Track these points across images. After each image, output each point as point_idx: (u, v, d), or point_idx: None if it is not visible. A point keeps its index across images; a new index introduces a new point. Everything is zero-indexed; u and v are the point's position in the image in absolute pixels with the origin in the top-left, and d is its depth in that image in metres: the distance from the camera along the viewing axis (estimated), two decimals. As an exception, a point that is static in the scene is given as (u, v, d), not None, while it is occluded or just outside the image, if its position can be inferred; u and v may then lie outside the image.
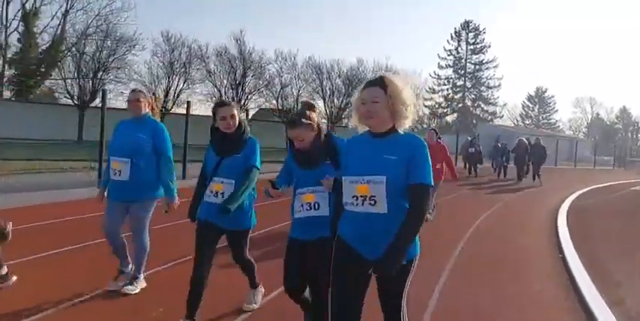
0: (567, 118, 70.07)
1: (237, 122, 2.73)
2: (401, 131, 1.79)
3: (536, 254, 5.31)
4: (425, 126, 46.67)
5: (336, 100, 30.45)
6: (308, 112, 2.38)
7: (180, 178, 10.44)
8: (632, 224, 8.14)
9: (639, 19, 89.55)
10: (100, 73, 20.82)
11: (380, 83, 1.77)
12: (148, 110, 3.35)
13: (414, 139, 1.81)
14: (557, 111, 66.56)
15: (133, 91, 3.53)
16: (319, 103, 30.36)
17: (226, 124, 2.69)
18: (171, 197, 3.23)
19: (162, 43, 23.76)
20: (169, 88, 23.71)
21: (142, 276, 3.33)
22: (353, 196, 1.76)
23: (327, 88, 29.97)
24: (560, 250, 5.40)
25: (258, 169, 2.77)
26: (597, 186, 14.73)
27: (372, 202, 1.72)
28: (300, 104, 2.67)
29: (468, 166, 16.52)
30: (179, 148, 12.22)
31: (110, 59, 20.89)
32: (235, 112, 2.73)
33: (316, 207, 2.34)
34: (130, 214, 3.26)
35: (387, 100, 1.73)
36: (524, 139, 14.72)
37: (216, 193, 2.72)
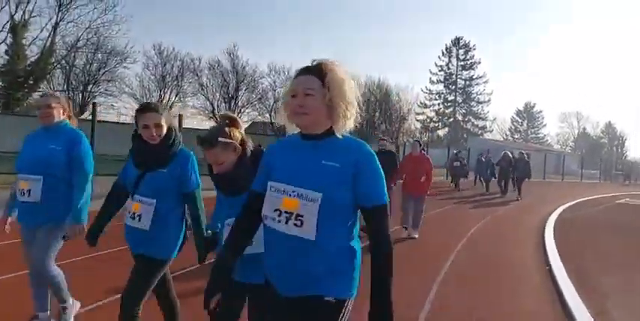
0: (555, 132, 71.32)
1: (163, 132, 2.22)
2: (339, 135, 1.39)
3: (524, 266, 5.35)
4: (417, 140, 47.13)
5: (328, 114, 30.68)
6: (228, 129, 1.91)
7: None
8: (617, 236, 8.25)
9: (622, 36, 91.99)
10: (90, 85, 20.83)
11: (316, 71, 1.38)
12: (63, 117, 2.75)
13: (358, 144, 1.41)
14: (545, 126, 67.88)
15: (43, 95, 2.87)
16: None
17: (149, 134, 2.19)
18: (75, 219, 2.58)
19: (154, 56, 23.94)
20: (161, 101, 23.70)
21: (70, 300, 2.75)
22: (275, 210, 1.37)
23: (319, 102, 30.22)
24: (547, 262, 5.46)
25: (199, 187, 2.38)
26: (584, 199, 14.92)
27: (298, 223, 1.33)
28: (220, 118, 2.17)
29: (453, 179, 16.48)
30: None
31: (101, 72, 20.93)
32: (162, 120, 2.21)
33: None
34: (37, 239, 2.59)
35: (325, 92, 1.34)
36: (509, 153, 14.56)
37: (134, 214, 2.20)
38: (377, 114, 33.89)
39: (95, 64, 20.72)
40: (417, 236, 6.42)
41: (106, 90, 21.98)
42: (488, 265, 5.34)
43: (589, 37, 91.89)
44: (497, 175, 14.76)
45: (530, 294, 4.25)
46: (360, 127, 32.74)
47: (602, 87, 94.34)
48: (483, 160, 15.94)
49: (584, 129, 71.54)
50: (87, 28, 19.59)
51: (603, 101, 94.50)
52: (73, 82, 21.01)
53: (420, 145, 6.99)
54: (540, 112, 67.23)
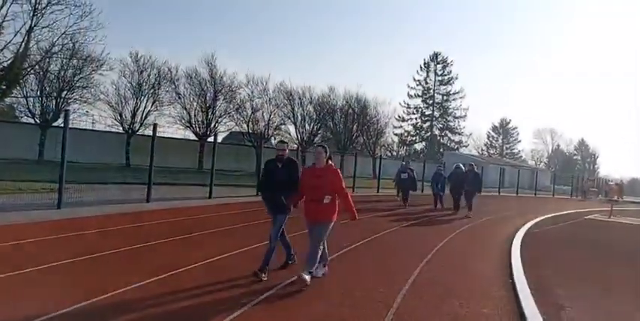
0: (530, 148, 73.29)
1: None
2: None
3: (489, 279, 5.42)
4: (394, 153, 47.64)
5: (307, 126, 30.79)
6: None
7: (144, 202, 10.26)
8: (583, 251, 8.47)
9: (597, 54, 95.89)
10: (65, 92, 20.41)
11: None
12: None
13: None
14: (520, 142, 69.84)
15: None
16: (291, 129, 30.65)
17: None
18: None
19: (131, 64, 23.65)
20: (137, 110, 23.41)
21: None
22: None
23: (299, 114, 30.32)
24: (511, 276, 5.55)
25: None
26: (554, 214, 15.27)
27: None
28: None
29: (400, 193, 15.03)
30: (144, 170, 12.09)
31: (76, 78, 20.53)
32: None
33: None
34: None
35: None
36: (462, 166, 13.42)
37: None
38: (355, 127, 34.15)
39: (70, 71, 20.33)
40: (308, 280, 4.42)
41: (80, 97, 21.56)
42: (452, 279, 5.39)
43: (564, 55, 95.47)
44: (449, 190, 13.51)
45: (491, 305, 4.30)
46: (339, 139, 32.94)
47: (576, 104, 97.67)
48: (439, 172, 14.81)
49: (558, 146, 73.86)
50: (62, 34, 19.24)
51: (577, 118, 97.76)
52: (47, 88, 20.54)
53: (326, 152, 4.79)
54: (515, 128, 69.28)
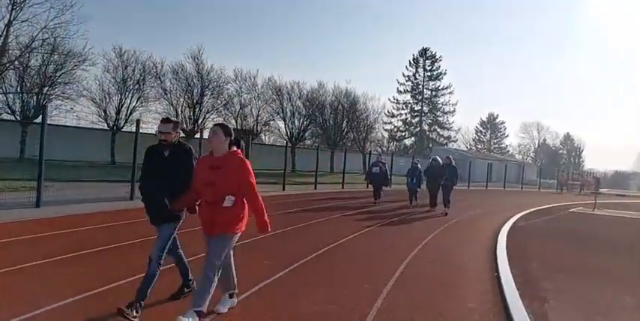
0: (517, 143, 74.10)
1: None
2: None
3: (475, 273, 5.40)
4: (384, 148, 47.74)
5: (296, 121, 30.64)
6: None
7: (128, 199, 10.06)
8: (567, 244, 8.53)
9: (580, 50, 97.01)
10: (46, 88, 19.92)
11: None
12: None
13: None
14: (507, 136, 70.55)
15: None
16: (280, 124, 30.48)
17: None
18: None
19: (115, 59, 23.18)
20: (121, 106, 22.97)
21: None
22: None
23: (288, 110, 30.13)
24: (497, 269, 5.54)
25: None
26: (539, 207, 15.42)
27: None
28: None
29: (373, 189, 13.54)
30: (128, 167, 11.87)
31: (57, 74, 20.02)
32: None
33: None
34: None
35: None
36: (439, 159, 12.53)
37: None
38: (344, 123, 34.08)
39: (51, 66, 19.77)
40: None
41: (62, 93, 21.05)
42: (439, 272, 5.36)
43: (549, 48, 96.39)
44: (425, 185, 12.62)
45: (477, 298, 4.27)
46: (328, 135, 32.86)
47: (562, 98, 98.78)
48: (414, 166, 13.56)
49: (544, 140, 74.77)
50: (43, 28, 18.74)
51: (563, 112, 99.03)
52: (28, 84, 20.04)
53: (229, 134, 3.36)
54: (503, 123, 69.96)
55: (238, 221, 3.30)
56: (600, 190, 27.71)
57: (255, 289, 4.14)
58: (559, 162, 68.32)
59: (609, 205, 19.16)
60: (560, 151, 75.66)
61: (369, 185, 14.42)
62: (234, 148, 3.36)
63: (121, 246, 5.63)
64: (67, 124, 21.48)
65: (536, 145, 74.38)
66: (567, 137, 75.99)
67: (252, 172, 3.33)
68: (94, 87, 22.60)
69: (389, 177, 14.21)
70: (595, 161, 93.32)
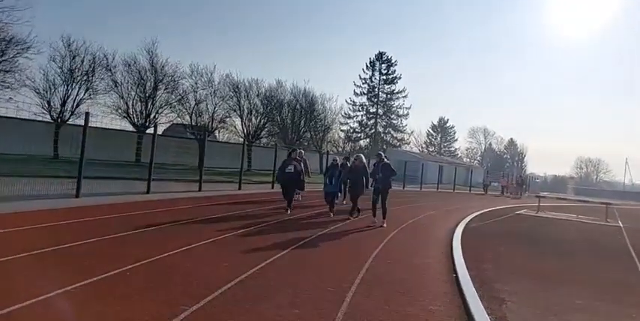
0: (465, 146, 77.43)
1: None
2: None
3: (434, 275, 5.52)
4: (340, 149, 48.17)
5: (253, 119, 30.16)
6: None
7: (74, 197, 9.43)
8: (517, 245, 8.95)
9: (524, 58, 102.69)
10: (-15, 76, 18.40)
11: None
12: None
13: None
14: (456, 140, 73.55)
15: None
16: (236, 121, 29.88)
17: None
18: None
19: (62, 48, 21.77)
20: (67, 97, 21.60)
21: None
22: None
23: (245, 107, 29.59)
24: (455, 271, 5.70)
25: None
26: (487, 210, 16.13)
27: None
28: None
29: (282, 192, 10.69)
30: (74, 162, 11.13)
31: (-3, 61, 18.55)
32: None
33: None
34: None
35: None
36: (363, 157, 10.23)
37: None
38: (302, 122, 34.02)
39: (-9, 52, 18.33)
40: None
41: (2, 81, 19.52)
42: (400, 276, 5.43)
43: (496, 55, 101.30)
44: (348, 188, 10.73)
45: (438, 301, 4.35)
46: (286, 134, 32.66)
47: (506, 105, 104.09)
48: (335, 163, 11.25)
49: (490, 144, 78.69)
50: (-18, 12, 17.29)
51: (507, 118, 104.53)
52: (-38, 71, 18.42)
53: None
54: (452, 127, 72.88)
55: None
56: (542, 193, 29.43)
57: None
58: (503, 165, 72.06)
59: (551, 207, 20.40)
60: (505, 156, 79.83)
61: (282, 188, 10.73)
62: None
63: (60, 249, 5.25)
64: (7, 114, 19.91)
65: (483, 150, 78.19)
66: (511, 142, 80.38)
67: None
68: (39, 77, 21.16)
69: (308, 176, 12.14)
70: (537, 165, 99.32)
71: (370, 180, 9.94)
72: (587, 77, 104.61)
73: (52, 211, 7.59)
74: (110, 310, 3.42)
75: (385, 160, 9.72)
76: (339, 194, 10.93)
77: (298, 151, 11.57)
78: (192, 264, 4.96)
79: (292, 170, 10.46)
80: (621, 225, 14.76)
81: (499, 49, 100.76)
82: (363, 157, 10.20)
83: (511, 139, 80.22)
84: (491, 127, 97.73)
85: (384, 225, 9.23)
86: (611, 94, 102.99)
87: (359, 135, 55.06)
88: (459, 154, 73.28)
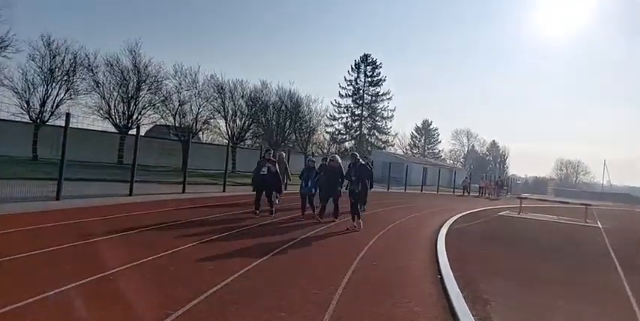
0: (449, 148, 78.37)
1: None
2: None
3: (420, 276, 5.56)
4: (325, 151, 48.24)
5: (238, 121, 29.96)
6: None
7: (54, 199, 9.21)
8: (499, 246, 9.09)
9: (506, 63, 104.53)
10: (-40, 74, 17.90)
11: None
12: None
13: None
14: (440, 142, 74.40)
15: None
16: (221, 123, 29.64)
17: None
18: None
19: (42, 47, 21.30)
20: (47, 97, 21.13)
21: None
22: None
23: (230, 108, 29.37)
24: (439, 271, 5.75)
25: None
26: (470, 211, 16.33)
27: None
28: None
29: (255, 196, 9.97)
30: (55, 164, 10.88)
31: (-27, 59, 18.09)
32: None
33: None
34: None
35: None
36: (338, 157, 9.76)
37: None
38: (287, 124, 33.94)
39: (-33, 51, 17.88)
40: None
41: (-22, 80, 19.06)
42: (385, 277, 5.45)
43: (479, 61, 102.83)
44: (319, 191, 10.04)
45: (423, 302, 4.38)
46: (271, 135, 32.53)
47: (489, 107, 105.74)
48: (310, 164, 10.42)
49: (473, 146, 79.81)
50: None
51: (490, 121, 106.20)
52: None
53: None
54: (436, 129, 73.73)
55: None
56: (523, 195, 29.94)
57: None
58: (486, 167, 73.15)
59: (532, 209, 20.76)
60: (487, 158, 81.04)
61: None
62: None
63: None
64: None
65: (466, 151, 79.27)
66: (493, 144, 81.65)
67: None
68: (17, 76, 20.66)
69: (289, 179, 12.17)
70: (518, 167, 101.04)
71: (345, 182, 9.59)
72: (568, 81, 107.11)
73: (32, 214, 7.41)
74: (93, 315, 3.36)
75: (361, 161, 9.26)
76: (314, 190, 10.18)
77: (273, 151, 10.89)
78: (177, 268, 4.90)
79: (266, 172, 9.90)
80: (600, 226, 15.12)
81: (482, 53, 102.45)
82: (339, 158, 9.75)
83: (493, 141, 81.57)
84: (475, 129, 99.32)
85: (358, 228, 8.87)
86: (591, 98, 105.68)
87: (344, 137, 55.23)
88: (443, 156, 74.12)
